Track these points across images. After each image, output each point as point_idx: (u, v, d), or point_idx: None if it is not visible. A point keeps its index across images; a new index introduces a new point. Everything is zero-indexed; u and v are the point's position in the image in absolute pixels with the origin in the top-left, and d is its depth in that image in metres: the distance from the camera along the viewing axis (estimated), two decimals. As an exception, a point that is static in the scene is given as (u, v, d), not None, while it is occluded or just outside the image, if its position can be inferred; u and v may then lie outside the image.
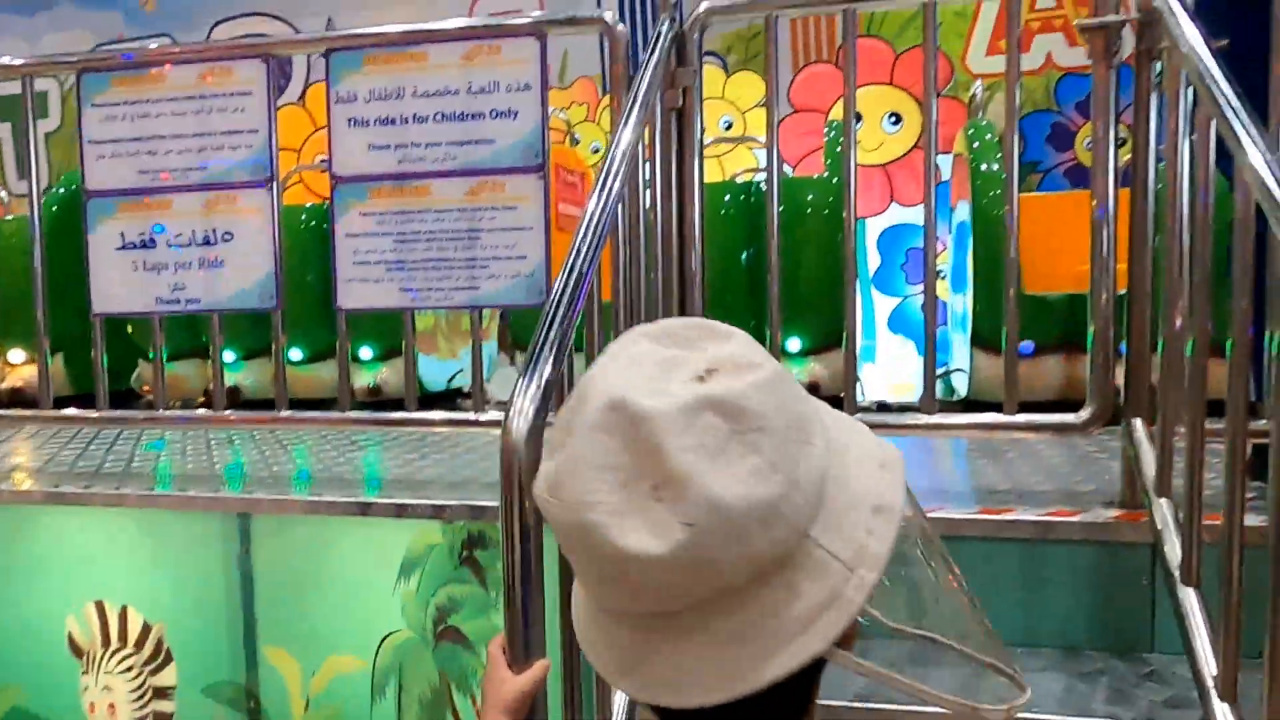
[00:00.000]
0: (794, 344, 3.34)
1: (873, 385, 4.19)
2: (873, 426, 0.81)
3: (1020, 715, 0.76)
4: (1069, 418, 2.08)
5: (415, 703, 2.35)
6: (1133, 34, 1.94)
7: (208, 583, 2.47)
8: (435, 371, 3.86)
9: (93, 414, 2.72)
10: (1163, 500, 1.80)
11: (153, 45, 5.83)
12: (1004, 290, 2.14)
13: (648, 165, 2.07)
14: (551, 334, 1.38)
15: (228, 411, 2.63)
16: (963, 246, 3.44)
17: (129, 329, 3.83)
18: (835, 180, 3.34)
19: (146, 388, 3.98)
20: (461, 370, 3.98)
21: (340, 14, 5.60)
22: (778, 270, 2.24)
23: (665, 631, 0.71)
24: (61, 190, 3.80)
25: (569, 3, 5.17)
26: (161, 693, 2.55)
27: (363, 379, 3.69)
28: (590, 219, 1.63)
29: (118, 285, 2.57)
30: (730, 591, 0.69)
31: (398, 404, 2.57)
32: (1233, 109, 1.44)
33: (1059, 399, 3.04)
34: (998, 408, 2.15)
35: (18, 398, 3.77)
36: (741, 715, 0.71)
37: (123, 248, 2.56)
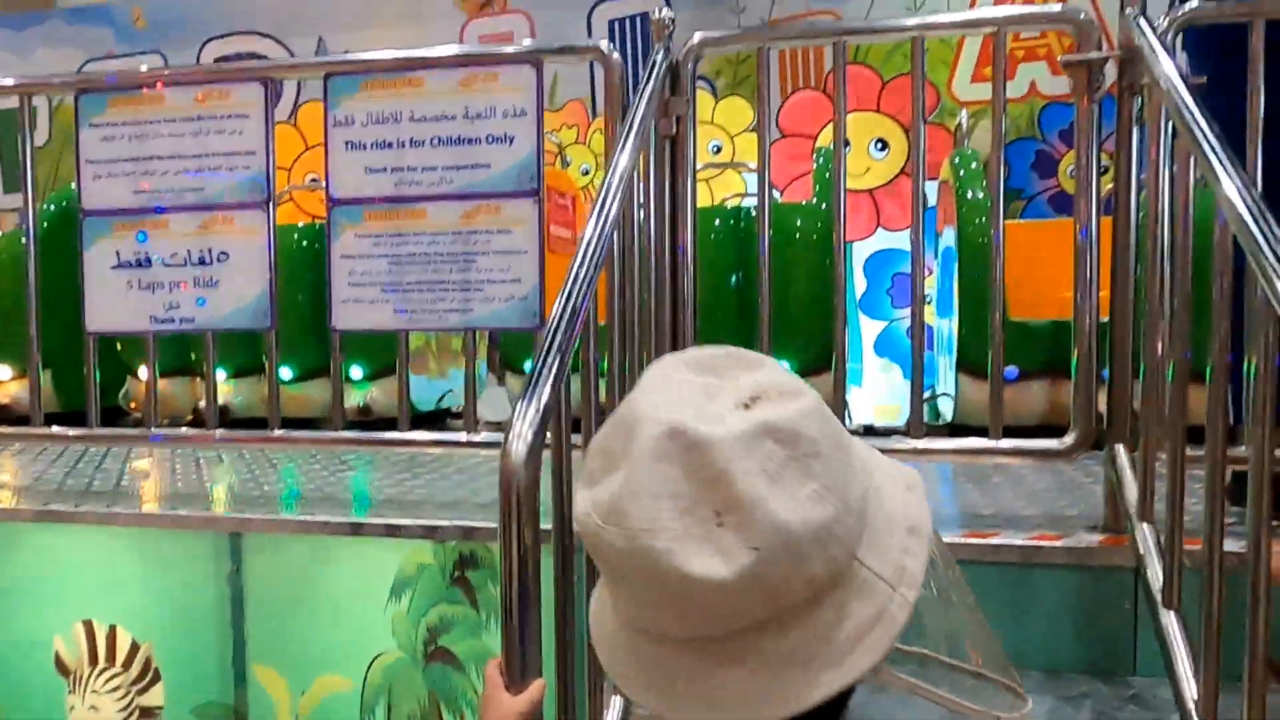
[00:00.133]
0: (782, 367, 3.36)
1: (859, 409, 4.23)
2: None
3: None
4: (1053, 444, 2.11)
5: (405, 723, 2.35)
6: (1114, 69, 2.00)
7: (197, 602, 2.47)
8: (425, 391, 3.87)
9: (84, 431, 2.72)
10: (1145, 525, 1.83)
11: (143, 64, 5.90)
12: (989, 316, 2.17)
13: (641, 190, 2.10)
14: (550, 358, 1.40)
15: (219, 430, 2.64)
16: (948, 272, 3.48)
17: (118, 346, 3.84)
18: (824, 206, 3.39)
19: (134, 404, 3.98)
20: (451, 390, 3.99)
21: (331, 34, 5.64)
22: (768, 294, 2.27)
23: (713, 653, 0.72)
24: (51, 207, 3.80)
25: (559, 25, 5.21)
26: (148, 713, 2.54)
27: (353, 399, 3.69)
28: (588, 246, 1.67)
29: (112, 304, 2.58)
30: (785, 612, 0.71)
31: (388, 424, 2.58)
32: (1209, 143, 1.49)
33: (1043, 424, 3.07)
34: (983, 432, 2.18)
35: (4, 414, 3.76)
36: None
37: (118, 266, 2.57)
